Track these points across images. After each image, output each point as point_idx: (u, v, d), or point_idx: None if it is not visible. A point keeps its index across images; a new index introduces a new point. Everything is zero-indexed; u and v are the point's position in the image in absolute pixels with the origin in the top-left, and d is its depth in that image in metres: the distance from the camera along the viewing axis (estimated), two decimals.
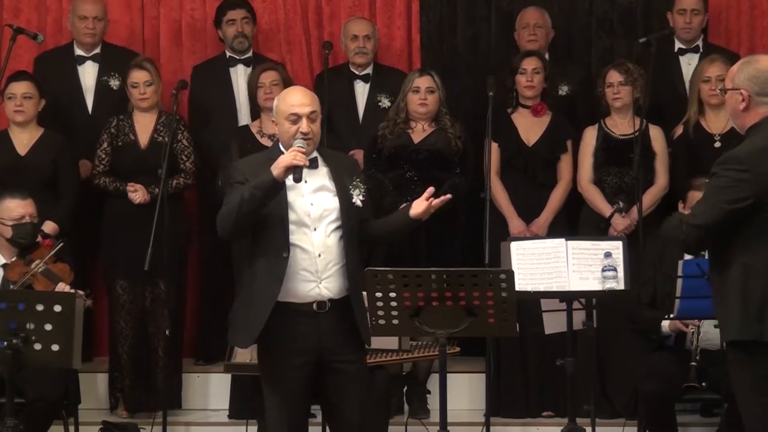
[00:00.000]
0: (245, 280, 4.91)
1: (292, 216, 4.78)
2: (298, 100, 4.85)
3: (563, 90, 7.01)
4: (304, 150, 4.72)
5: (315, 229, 4.78)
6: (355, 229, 4.83)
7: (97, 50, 7.11)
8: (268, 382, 4.87)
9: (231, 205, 4.77)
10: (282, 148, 4.84)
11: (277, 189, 4.71)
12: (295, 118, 4.80)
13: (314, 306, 4.77)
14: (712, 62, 6.53)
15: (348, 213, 4.81)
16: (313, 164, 4.84)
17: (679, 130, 6.64)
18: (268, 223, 4.77)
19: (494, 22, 7.49)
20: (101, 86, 7.05)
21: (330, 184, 4.85)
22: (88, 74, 7.10)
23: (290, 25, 7.50)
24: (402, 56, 7.43)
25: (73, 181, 6.70)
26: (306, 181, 4.81)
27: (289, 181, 4.78)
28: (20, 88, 6.61)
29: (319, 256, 4.77)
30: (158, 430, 6.31)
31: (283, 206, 4.77)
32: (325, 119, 6.59)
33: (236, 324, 4.95)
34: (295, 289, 4.76)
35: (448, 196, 4.94)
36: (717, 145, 6.36)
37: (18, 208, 5.97)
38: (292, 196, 4.80)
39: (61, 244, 5.95)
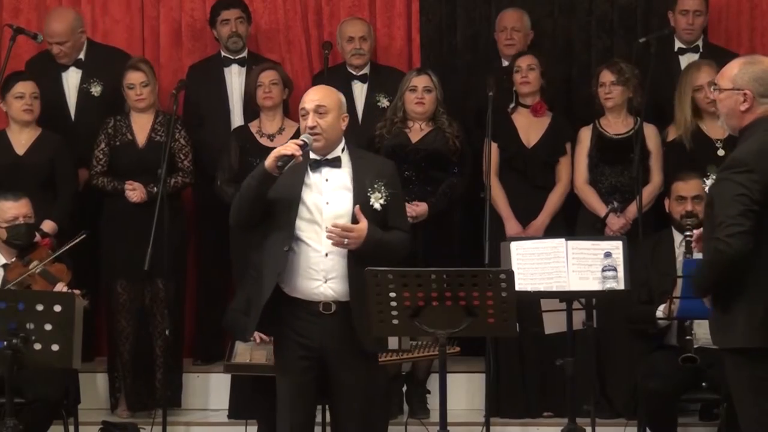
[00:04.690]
0: (256, 270, 4.95)
1: (305, 213, 4.81)
2: (308, 95, 4.92)
3: None
4: (302, 143, 4.74)
5: (326, 228, 4.79)
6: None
7: (81, 55, 7.08)
8: (279, 374, 4.93)
9: (238, 194, 4.85)
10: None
11: (269, 178, 4.73)
12: (304, 113, 4.85)
13: (320, 307, 4.78)
14: (699, 69, 6.50)
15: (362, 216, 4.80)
16: (335, 163, 4.87)
17: (671, 133, 6.59)
18: (277, 216, 4.81)
19: (494, 22, 7.47)
20: (82, 94, 7.03)
21: (350, 185, 4.86)
22: (71, 80, 7.08)
23: (290, 25, 7.50)
24: (402, 56, 7.43)
25: (71, 181, 6.70)
26: (327, 180, 4.84)
27: (311, 178, 4.84)
28: (29, 87, 6.61)
29: (326, 255, 4.78)
30: (158, 430, 6.31)
31: (294, 201, 4.79)
32: None
33: (240, 315, 4.97)
34: (301, 285, 4.79)
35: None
36: (720, 152, 6.28)
37: (11, 209, 5.95)
38: (310, 193, 4.83)
39: (83, 236, 5.93)
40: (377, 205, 4.81)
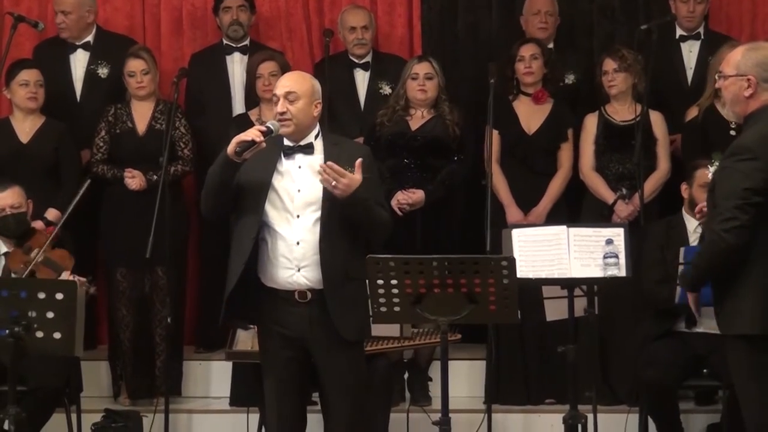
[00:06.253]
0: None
1: (276, 200, 4.77)
2: (280, 81, 4.91)
3: (569, 79, 7.00)
4: (265, 129, 4.71)
5: (298, 217, 4.76)
6: (336, 220, 4.74)
7: (89, 38, 7.09)
8: (263, 365, 4.93)
9: (205, 182, 4.86)
10: None
11: (231, 165, 4.70)
12: (276, 99, 4.84)
13: (296, 295, 4.77)
14: (732, 46, 6.50)
15: (331, 202, 4.73)
16: (308, 150, 4.83)
17: (693, 112, 6.59)
18: (247, 203, 4.78)
19: (495, 9, 7.47)
20: (89, 75, 7.04)
21: None
22: (78, 62, 7.09)
23: (291, 12, 7.49)
24: (403, 44, 7.42)
25: (75, 169, 6.70)
26: (300, 167, 4.80)
27: (284, 165, 4.80)
28: (34, 75, 6.62)
29: (298, 244, 4.75)
30: (160, 417, 6.31)
31: (263, 188, 4.76)
32: (326, 107, 6.64)
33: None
34: (275, 275, 4.77)
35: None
36: (732, 133, 6.27)
37: None
38: (282, 181, 4.79)
39: (89, 181, 5.91)
40: (318, 169, 4.69)
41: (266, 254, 4.78)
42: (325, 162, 4.77)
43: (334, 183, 4.66)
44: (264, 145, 4.70)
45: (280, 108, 4.78)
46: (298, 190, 4.78)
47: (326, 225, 4.74)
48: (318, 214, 4.75)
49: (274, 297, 4.80)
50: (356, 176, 4.68)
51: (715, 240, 4.24)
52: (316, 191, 4.77)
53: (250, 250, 4.75)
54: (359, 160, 4.71)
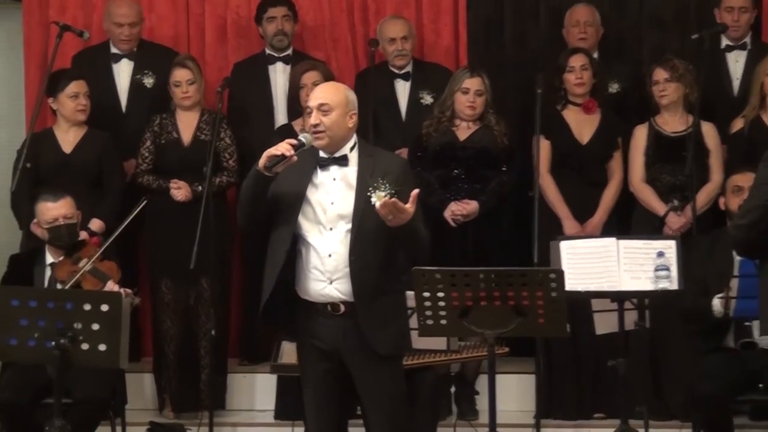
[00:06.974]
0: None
1: (309, 213, 4.72)
2: (313, 93, 4.86)
3: (613, 88, 6.93)
4: (296, 143, 4.67)
5: (331, 229, 4.71)
6: (368, 234, 4.66)
7: (133, 48, 7.11)
8: (301, 378, 4.90)
9: (240, 194, 4.85)
10: None
11: (263, 179, 4.65)
12: (309, 111, 4.80)
13: (329, 307, 4.72)
14: None
15: (362, 215, 4.66)
16: (343, 162, 4.77)
17: (738, 124, 6.52)
18: (281, 215, 4.74)
19: (542, 19, 7.42)
20: (135, 84, 7.05)
21: (355, 183, 4.75)
22: (123, 73, 7.10)
23: (335, 22, 7.47)
24: (449, 53, 7.37)
25: (118, 178, 6.71)
26: (335, 179, 4.75)
27: (319, 177, 4.75)
28: (82, 86, 6.62)
29: (330, 256, 4.69)
30: (204, 431, 6.31)
31: (297, 200, 4.72)
32: (370, 117, 6.61)
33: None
34: (308, 287, 4.73)
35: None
36: None
37: (50, 211, 5.93)
38: (317, 193, 4.74)
39: (145, 202, 5.92)
40: (377, 204, 4.59)
41: (301, 266, 4.75)
42: (358, 175, 4.72)
43: (391, 217, 4.58)
44: (295, 158, 4.65)
45: (313, 120, 4.74)
46: (332, 203, 4.73)
47: (357, 238, 4.68)
48: (350, 226, 4.70)
49: (309, 309, 4.77)
50: (411, 209, 4.59)
51: (731, 232, 4.43)
52: (349, 204, 4.72)
53: (283, 262, 4.72)
54: (416, 191, 4.62)
